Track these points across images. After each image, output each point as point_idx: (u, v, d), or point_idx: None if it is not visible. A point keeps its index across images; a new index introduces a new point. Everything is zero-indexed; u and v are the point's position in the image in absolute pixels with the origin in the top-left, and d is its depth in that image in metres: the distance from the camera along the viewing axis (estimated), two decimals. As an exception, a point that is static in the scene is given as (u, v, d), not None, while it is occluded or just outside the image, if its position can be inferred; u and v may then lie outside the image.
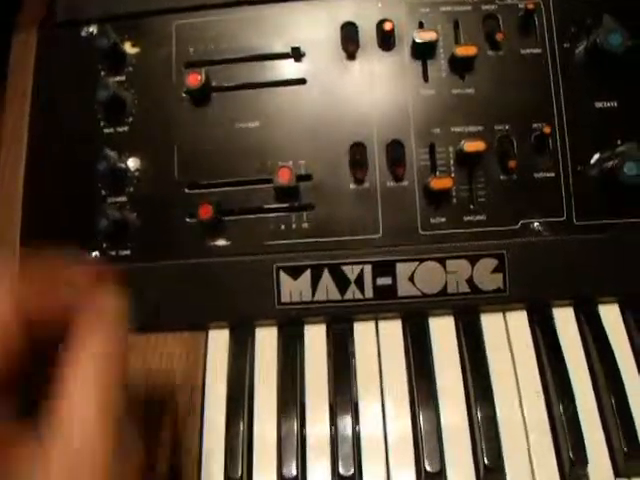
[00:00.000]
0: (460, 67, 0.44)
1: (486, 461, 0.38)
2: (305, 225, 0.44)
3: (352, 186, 0.44)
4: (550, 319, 0.44)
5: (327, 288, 0.43)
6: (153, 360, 0.44)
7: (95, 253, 0.45)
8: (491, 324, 0.44)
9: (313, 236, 0.44)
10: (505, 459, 0.39)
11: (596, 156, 0.44)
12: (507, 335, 0.44)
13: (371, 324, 0.44)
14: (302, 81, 0.45)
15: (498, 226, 0.43)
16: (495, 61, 0.45)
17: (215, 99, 0.45)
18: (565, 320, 0.44)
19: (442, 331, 0.44)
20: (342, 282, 0.43)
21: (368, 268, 0.43)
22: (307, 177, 0.44)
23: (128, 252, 0.45)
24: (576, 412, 0.40)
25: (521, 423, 0.41)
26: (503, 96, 0.44)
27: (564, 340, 0.43)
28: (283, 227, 0.44)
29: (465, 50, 0.43)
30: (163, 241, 0.45)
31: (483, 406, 0.41)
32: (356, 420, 0.41)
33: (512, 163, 0.43)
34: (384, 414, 0.41)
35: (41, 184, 0.46)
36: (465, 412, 0.41)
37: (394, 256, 0.43)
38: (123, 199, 0.45)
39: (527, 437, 0.40)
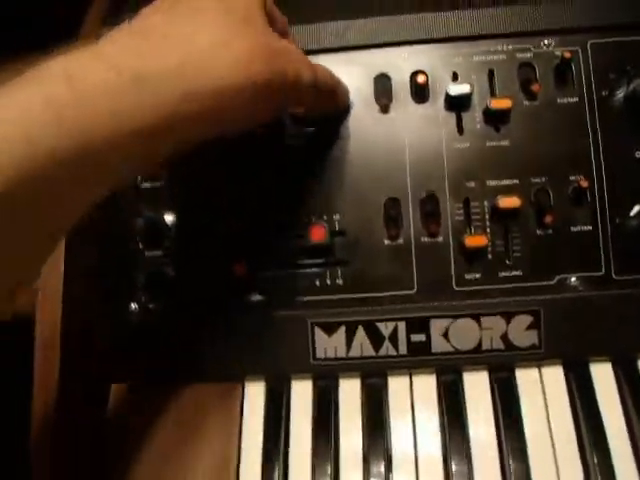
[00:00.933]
0: (495, 119, 0.44)
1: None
2: (339, 281, 0.44)
3: (386, 242, 0.44)
4: (587, 375, 0.43)
5: (361, 345, 0.43)
6: (188, 410, 0.45)
7: (134, 305, 0.46)
8: (526, 379, 0.44)
9: (347, 292, 0.44)
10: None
11: (636, 208, 0.43)
12: (542, 391, 0.43)
13: (405, 379, 0.44)
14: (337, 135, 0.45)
15: (534, 282, 0.43)
16: (531, 112, 0.44)
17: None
18: (603, 377, 0.43)
19: (476, 386, 0.44)
20: (376, 338, 0.43)
21: (402, 325, 0.43)
22: (341, 233, 0.44)
23: (166, 305, 0.46)
24: (613, 472, 0.40)
25: (555, 477, 0.40)
26: (539, 148, 0.44)
27: (602, 397, 0.43)
28: (318, 283, 0.44)
29: (500, 103, 0.43)
30: (199, 295, 0.45)
31: (517, 461, 0.41)
32: (389, 474, 0.41)
33: (549, 218, 0.42)
34: (417, 467, 0.42)
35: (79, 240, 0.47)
36: (498, 466, 0.41)
37: (428, 312, 0.43)
38: (160, 253, 0.46)
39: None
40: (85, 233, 0.46)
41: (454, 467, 0.41)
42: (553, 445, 0.41)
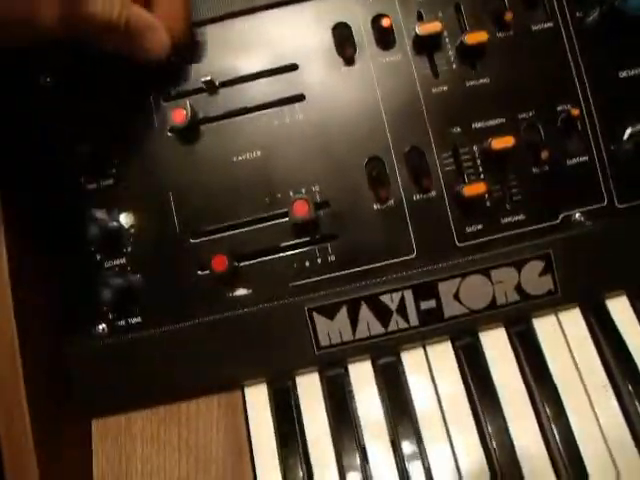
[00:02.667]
0: (470, 56, 0.40)
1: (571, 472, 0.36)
2: (331, 258, 0.40)
3: (375, 206, 0.40)
4: (605, 311, 0.41)
5: (368, 323, 0.39)
6: (190, 431, 0.40)
7: (102, 326, 0.40)
8: (545, 326, 0.41)
9: (342, 269, 0.40)
10: (588, 467, 0.37)
11: (628, 131, 0.41)
12: (563, 334, 0.41)
13: (419, 351, 0.41)
14: (300, 97, 0.40)
15: (538, 224, 0.40)
16: (506, 43, 0.41)
17: (205, 133, 0.40)
18: (621, 310, 0.41)
19: (495, 343, 0.41)
20: (383, 313, 0.39)
21: (409, 293, 0.39)
22: (324, 204, 0.40)
23: (139, 319, 0.40)
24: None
25: (594, 421, 0.38)
26: (521, 81, 0.40)
27: (624, 329, 0.40)
28: (307, 264, 0.40)
29: (475, 37, 0.39)
30: (176, 301, 0.40)
31: (553, 411, 0.38)
32: (424, 452, 0.38)
33: (544, 154, 0.39)
34: (450, 439, 0.38)
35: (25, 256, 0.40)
36: (534, 419, 0.38)
37: (434, 276, 0.39)
38: (122, 261, 0.40)
39: (603, 436, 0.38)
40: (33, 253, 0.40)
41: (490, 428, 0.38)
42: (585, 387, 0.39)
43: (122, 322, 0.40)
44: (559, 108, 0.40)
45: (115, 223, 0.40)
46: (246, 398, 0.41)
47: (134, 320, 0.40)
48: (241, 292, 0.40)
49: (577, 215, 0.40)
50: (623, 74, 0.41)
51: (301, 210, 0.38)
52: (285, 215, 0.39)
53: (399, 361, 0.40)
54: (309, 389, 0.40)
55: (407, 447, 0.38)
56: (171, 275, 0.40)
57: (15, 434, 0.37)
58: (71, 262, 0.40)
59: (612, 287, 0.41)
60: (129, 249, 0.40)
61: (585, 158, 0.40)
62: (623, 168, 0.40)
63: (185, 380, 0.40)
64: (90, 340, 0.40)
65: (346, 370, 0.41)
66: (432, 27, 0.39)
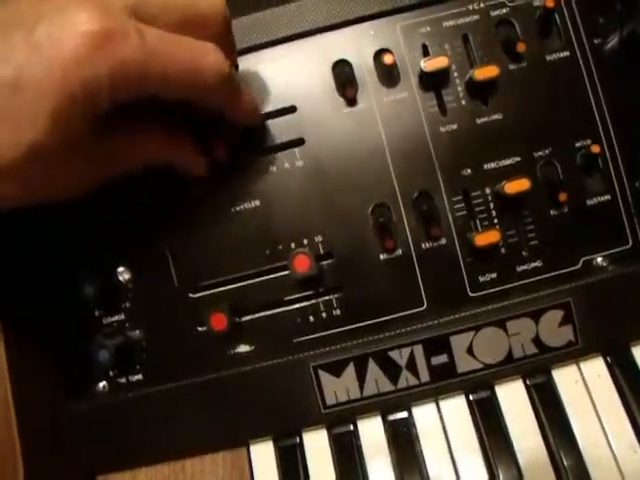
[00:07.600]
0: (480, 91, 0.38)
1: None
2: (336, 312, 0.38)
3: (382, 256, 0.38)
4: (632, 361, 0.38)
5: (376, 380, 0.37)
6: (193, 487, 0.39)
7: (102, 384, 0.39)
8: (565, 378, 0.38)
9: (348, 323, 0.38)
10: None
11: (655, 166, 0.38)
12: (586, 388, 0.38)
13: (432, 406, 0.39)
14: (299, 141, 0.38)
15: (557, 270, 0.38)
16: (519, 76, 0.38)
17: (202, 182, 0.38)
18: (648, 358, 0.38)
19: (512, 398, 0.38)
20: (392, 370, 0.37)
21: (419, 348, 0.37)
22: (328, 255, 0.38)
23: (140, 377, 0.39)
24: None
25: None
26: (536, 116, 0.38)
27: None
28: (312, 318, 0.38)
29: (485, 72, 0.36)
30: (178, 357, 0.38)
31: (574, 472, 0.36)
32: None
33: (562, 194, 0.36)
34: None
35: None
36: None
37: (446, 329, 0.37)
38: (121, 317, 0.39)
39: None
40: (27, 312, 0.39)
41: (505, 487, 0.36)
42: (610, 447, 0.36)
43: (123, 380, 0.39)
44: (578, 144, 0.38)
45: (113, 278, 0.39)
46: (252, 456, 0.39)
47: (135, 378, 0.39)
48: (243, 349, 0.38)
49: (599, 260, 0.38)
50: (647, 105, 0.38)
51: (302, 265, 0.36)
52: (286, 267, 0.37)
53: (410, 416, 0.38)
54: (317, 447, 0.39)
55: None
56: (172, 331, 0.39)
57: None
58: (69, 319, 0.39)
59: (638, 336, 0.38)
60: (128, 304, 0.39)
61: (607, 197, 0.38)
62: (649, 207, 0.38)
63: (188, 438, 0.39)
64: (91, 399, 0.39)
65: (355, 426, 0.39)
66: (438, 62, 0.36)
